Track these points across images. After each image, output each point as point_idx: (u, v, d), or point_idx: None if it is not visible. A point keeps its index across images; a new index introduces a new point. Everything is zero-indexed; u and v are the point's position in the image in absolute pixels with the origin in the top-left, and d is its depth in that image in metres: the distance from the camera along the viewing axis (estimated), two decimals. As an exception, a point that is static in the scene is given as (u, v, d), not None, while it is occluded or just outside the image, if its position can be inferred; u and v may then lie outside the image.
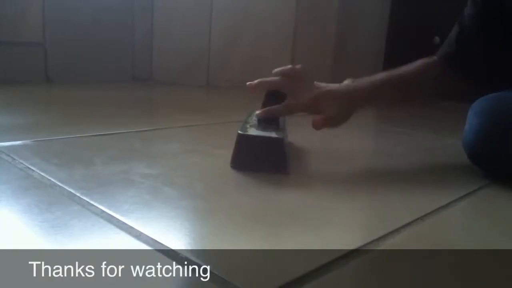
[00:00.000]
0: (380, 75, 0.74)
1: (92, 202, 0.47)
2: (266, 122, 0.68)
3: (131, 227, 0.41)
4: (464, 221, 0.51)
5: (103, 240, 0.39)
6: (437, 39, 2.05)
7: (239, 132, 0.63)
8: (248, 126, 0.67)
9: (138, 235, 0.40)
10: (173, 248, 0.38)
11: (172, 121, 1.01)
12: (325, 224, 0.46)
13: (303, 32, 1.82)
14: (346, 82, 0.72)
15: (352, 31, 1.96)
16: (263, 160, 0.62)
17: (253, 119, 0.73)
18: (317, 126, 0.68)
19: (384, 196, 0.58)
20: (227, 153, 0.64)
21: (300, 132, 0.84)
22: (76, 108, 1.11)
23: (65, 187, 0.51)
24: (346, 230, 0.45)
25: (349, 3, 1.90)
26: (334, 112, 0.68)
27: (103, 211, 0.45)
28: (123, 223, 0.42)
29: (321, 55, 1.89)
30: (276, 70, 0.70)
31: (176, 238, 0.40)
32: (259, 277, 0.34)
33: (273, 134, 0.63)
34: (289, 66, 0.70)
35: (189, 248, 0.38)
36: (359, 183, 0.63)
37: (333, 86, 0.71)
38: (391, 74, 0.74)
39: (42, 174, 0.55)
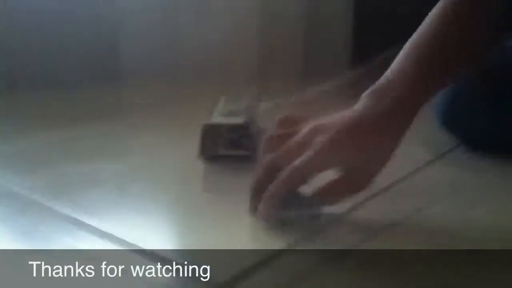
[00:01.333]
0: (415, 49, 0.45)
1: (57, 206, 0.46)
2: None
3: (95, 228, 0.41)
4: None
5: (68, 242, 0.38)
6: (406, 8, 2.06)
7: (204, 122, 0.63)
8: (215, 114, 0.67)
9: (103, 235, 0.40)
10: (135, 243, 0.37)
11: (139, 118, 0.99)
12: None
13: (269, 31, 1.81)
14: (361, 102, 0.43)
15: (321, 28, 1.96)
16: (230, 147, 0.62)
17: (220, 106, 0.73)
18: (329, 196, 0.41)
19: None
20: (196, 144, 0.64)
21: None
22: (38, 113, 1.08)
23: (30, 194, 0.50)
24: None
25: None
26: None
27: (68, 216, 0.44)
28: (88, 224, 0.42)
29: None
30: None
31: (142, 235, 0.39)
32: (224, 262, 0.34)
33: (238, 120, 0.63)
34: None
35: (153, 242, 0.38)
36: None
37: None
38: (431, 37, 0.45)
39: (5, 183, 0.54)
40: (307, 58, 1.92)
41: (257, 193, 0.41)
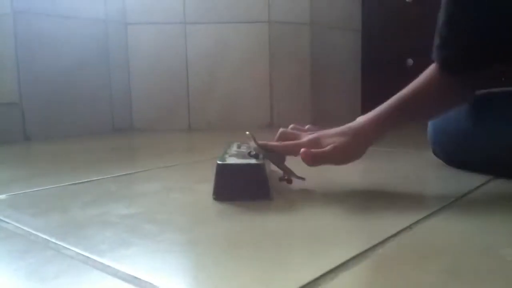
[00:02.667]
0: (389, 102, 0.67)
1: (67, 246, 0.45)
2: (251, 155, 0.66)
3: (107, 266, 0.39)
4: (451, 227, 0.50)
5: (78, 280, 0.37)
6: (410, 61, 2.10)
7: (218, 162, 0.62)
8: (227, 156, 0.67)
9: (115, 273, 0.38)
10: (149, 281, 0.36)
11: (151, 163, 0.99)
12: (311, 242, 0.45)
13: (278, 69, 1.85)
14: (357, 119, 0.68)
15: (327, 63, 2.00)
16: (244, 187, 0.61)
17: (232, 150, 0.73)
18: (308, 157, 0.62)
19: (369, 211, 0.57)
20: (209, 187, 0.63)
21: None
22: (53, 161, 1.09)
23: (40, 234, 0.49)
24: (331, 246, 0.44)
25: (320, 38, 1.95)
26: (334, 147, 0.64)
27: (78, 253, 0.43)
28: (99, 262, 0.40)
29: (299, 91, 1.92)
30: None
31: (155, 272, 0.38)
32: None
33: (253, 161, 0.62)
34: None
35: (169, 280, 0.36)
36: (343, 202, 0.62)
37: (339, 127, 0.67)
38: (399, 97, 0.67)
39: (16, 224, 0.53)
40: (315, 105, 1.94)
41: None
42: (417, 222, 0.50)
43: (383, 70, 2.17)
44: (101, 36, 1.77)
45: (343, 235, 0.47)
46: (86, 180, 0.79)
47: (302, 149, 0.63)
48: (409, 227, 0.49)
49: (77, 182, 0.78)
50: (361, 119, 0.68)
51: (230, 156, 0.66)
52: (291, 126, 0.72)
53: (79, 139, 1.54)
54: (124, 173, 0.86)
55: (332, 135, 0.66)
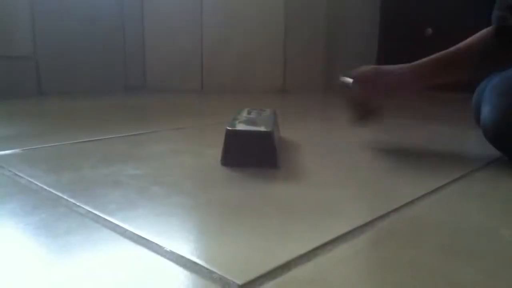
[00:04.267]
0: (431, 57, 0.74)
1: (78, 203, 0.47)
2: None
3: (116, 225, 0.41)
4: (453, 204, 0.50)
5: (87, 238, 0.38)
6: (429, 30, 2.05)
7: (228, 128, 0.63)
8: (237, 122, 0.67)
9: (123, 232, 0.40)
10: (156, 242, 0.37)
11: (162, 125, 1.01)
12: (313, 212, 0.46)
13: (293, 33, 1.82)
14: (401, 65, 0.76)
15: (343, 29, 1.96)
16: (252, 154, 0.62)
17: (243, 116, 0.73)
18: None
19: (376, 183, 0.58)
20: (218, 152, 0.64)
21: (292, 128, 0.84)
22: (67, 117, 1.11)
23: (52, 190, 0.51)
24: (333, 217, 0.45)
25: (338, 3, 1.90)
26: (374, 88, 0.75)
27: (89, 212, 0.44)
28: (109, 221, 0.42)
29: (313, 56, 1.89)
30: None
31: (160, 234, 0.39)
32: (243, 267, 0.34)
33: (262, 128, 0.63)
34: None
35: (174, 242, 0.38)
36: (349, 173, 0.63)
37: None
38: (442, 54, 0.73)
39: (30, 179, 0.55)
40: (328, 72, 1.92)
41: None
42: (420, 197, 0.51)
43: (401, 38, 2.13)
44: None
45: (346, 207, 0.48)
46: (97, 138, 0.81)
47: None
48: (411, 202, 0.49)
49: (88, 139, 0.79)
50: (400, 66, 0.76)
51: (240, 122, 0.67)
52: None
53: (92, 95, 1.55)
54: (135, 133, 0.87)
55: (372, 72, 0.77)
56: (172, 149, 0.75)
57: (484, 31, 0.72)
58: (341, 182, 0.58)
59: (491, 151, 0.71)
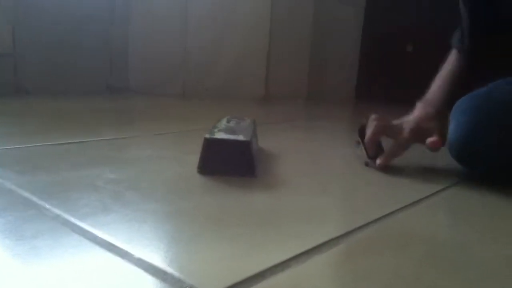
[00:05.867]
0: (439, 84, 0.79)
1: (48, 206, 0.45)
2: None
3: (86, 231, 0.40)
4: (432, 217, 0.51)
5: (55, 243, 0.37)
6: (409, 47, 2.09)
7: (205, 136, 0.62)
8: (216, 130, 0.67)
9: (93, 238, 0.39)
10: (126, 249, 0.36)
11: (143, 129, 0.99)
12: (289, 222, 0.45)
13: (278, 42, 1.83)
14: (418, 109, 0.77)
15: (327, 40, 1.98)
16: (230, 163, 0.62)
17: (222, 124, 0.73)
18: (437, 146, 0.70)
19: (354, 194, 0.58)
20: (197, 159, 0.64)
21: (272, 138, 0.84)
22: (46, 118, 1.09)
23: (23, 192, 0.49)
24: (311, 227, 0.44)
25: (323, 13, 1.92)
26: (439, 130, 0.72)
27: (59, 215, 0.43)
28: (79, 226, 0.41)
29: (296, 65, 1.90)
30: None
31: (132, 241, 0.38)
32: (215, 276, 0.33)
33: (241, 137, 0.63)
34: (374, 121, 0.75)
35: (144, 250, 0.37)
36: (327, 183, 0.63)
37: (415, 115, 0.76)
38: (445, 78, 0.79)
39: (3, 180, 0.53)
40: (310, 87, 1.93)
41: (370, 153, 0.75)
42: (401, 209, 0.51)
43: (382, 50, 2.15)
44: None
45: (322, 217, 0.48)
46: (76, 141, 0.79)
47: (432, 140, 0.70)
48: (388, 214, 0.49)
49: (67, 142, 0.78)
50: (427, 104, 0.77)
51: (219, 130, 0.67)
52: (372, 117, 0.77)
53: (74, 96, 1.53)
54: (116, 137, 0.86)
55: (428, 120, 0.74)
56: (152, 154, 0.74)
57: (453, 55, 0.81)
58: (318, 192, 0.58)
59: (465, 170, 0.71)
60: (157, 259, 0.35)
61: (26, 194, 0.49)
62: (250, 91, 1.82)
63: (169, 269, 0.33)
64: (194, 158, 0.66)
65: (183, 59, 1.82)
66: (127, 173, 0.60)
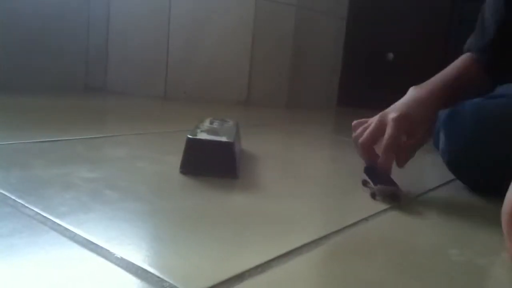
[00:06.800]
0: (436, 82, 0.70)
1: (26, 204, 0.44)
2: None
3: (65, 229, 0.39)
4: (405, 222, 0.52)
5: (33, 241, 0.37)
6: (390, 55, 2.12)
7: (188, 136, 0.62)
8: (198, 131, 0.67)
9: (72, 236, 0.38)
10: (106, 248, 0.36)
11: (122, 129, 0.98)
12: (269, 224, 0.46)
13: (260, 46, 1.84)
14: (410, 92, 0.69)
15: (309, 46, 2.00)
16: (212, 163, 0.61)
17: (205, 125, 0.73)
18: (386, 168, 0.62)
19: (331, 198, 0.59)
20: (177, 159, 0.63)
21: (253, 140, 0.84)
22: (21, 115, 1.07)
23: (-2, 189, 0.48)
24: (288, 230, 0.45)
25: (305, 21, 1.94)
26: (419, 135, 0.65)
27: (37, 213, 0.42)
28: (58, 224, 0.40)
29: (278, 70, 1.91)
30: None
31: (111, 240, 0.38)
32: (196, 276, 0.33)
33: (224, 138, 0.63)
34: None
35: (125, 248, 0.36)
36: (307, 186, 0.63)
37: (401, 105, 0.67)
38: (445, 79, 0.70)
39: (-26, 177, 0.52)
40: (291, 91, 1.94)
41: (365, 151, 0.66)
42: (374, 214, 0.52)
43: (363, 61, 2.19)
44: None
45: (302, 220, 0.48)
46: (52, 139, 0.78)
47: (380, 162, 0.62)
48: (365, 219, 0.50)
49: (42, 140, 0.76)
50: (415, 93, 0.68)
51: (202, 131, 0.66)
52: (354, 122, 0.72)
53: (49, 94, 1.50)
54: (92, 136, 0.85)
55: (418, 106, 0.66)
56: (131, 154, 0.73)
57: (464, 61, 0.72)
58: (299, 195, 0.58)
59: (445, 173, 0.73)
60: (138, 258, 0.35)
61: (1, 191, 0.47)
62: (232, 95, 1.82)
63: (150, 269, 0.33)
64: (174, 159, 0.65)
65: (164, 61, 1.81)
66: (104, 172, 0.60)
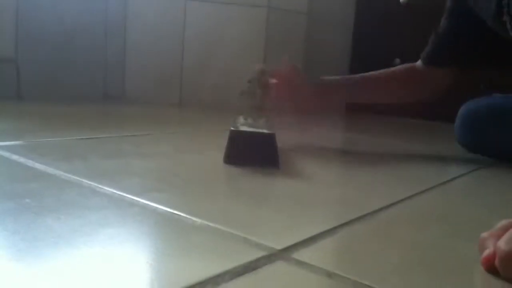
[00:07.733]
0: (355, 76, 0.89)
1: (101, 186, 0.49)
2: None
3: (146, 203, 0.44)
4: (446, 202, 0.56)
5: (121, 213, 0.41)
6: (397, 61, 2.18)
7: (232, 128, 0.67)
8: (239, 125, 0.71)
9: (154, 209, 0.42)
10: (189, 217, 0.40)
11: (153, 129, 1.03)
12: (325, 203, 0.50)
13: (272, 55, 1.89)
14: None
15: (319, 55, 2.05)
16: (255, 154, 0.66)
17: (241, 121, 0.77)
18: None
19: (371, 182, 0.63)
20: (217, 153, 0.67)
21: (284, 133, 0.88)
22: (51, 119, 1.11)
23: (71, 175, 0.52)
24: (346, 205, 0.49)
25: (315, 29, 2.00)
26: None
27: (114, 192, 0.47)
28: (137, 200, 0.44)
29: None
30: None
31: (192, 210, 0.42)
32: (276, 237, 0.37)
33: (265, 131, 0.67)
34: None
35: (202, 216, 0.41)
36: (345, 174, 0.68)
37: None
38: (365, 75, 0.88)
39: (45, 166, 0.56)
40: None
41: None
42: (402, 200, 0.56)
43: (371, 65, 2.24)
44: (101, 3, 1.77)
45: (355, 199, 0.53)
46: (95, 137, 0.82)
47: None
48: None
49: (84, 137, 0.81)
50: (324, 81, 0.89)
51: (242, 125, 0.71)
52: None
53: (70, 103, 1.55)
54: (129, 134, 0.89)
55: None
56: (174, 149, 0.77)
57: (406, 65, 0.92)
58: (338, 182, 0.63)
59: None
60: (222, 223, 0.39)
61: (75, 177, 0.52)
62: (246, 103, 1.87)
63: (236, 231, 0.37)
64: (214, 153, 0.69)
65: (179, 70, 1.86)
66: (159, 163, 0.64)
